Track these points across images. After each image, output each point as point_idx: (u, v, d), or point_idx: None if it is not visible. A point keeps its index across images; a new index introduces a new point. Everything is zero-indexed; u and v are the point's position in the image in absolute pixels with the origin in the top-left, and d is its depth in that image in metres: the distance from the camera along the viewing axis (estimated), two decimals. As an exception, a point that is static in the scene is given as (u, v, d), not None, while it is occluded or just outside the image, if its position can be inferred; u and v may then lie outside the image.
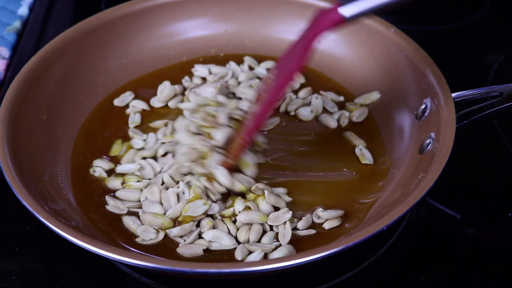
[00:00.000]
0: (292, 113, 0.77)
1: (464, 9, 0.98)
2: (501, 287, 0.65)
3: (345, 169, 0.71)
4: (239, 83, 0.81)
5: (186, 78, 0.82)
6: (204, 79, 0.82)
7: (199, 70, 0.83)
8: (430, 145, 0.67)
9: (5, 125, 0.66)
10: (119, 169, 0.71)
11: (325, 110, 0.78)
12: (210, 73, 0.82)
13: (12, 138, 0.66)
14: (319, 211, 0.66)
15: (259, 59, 0.84)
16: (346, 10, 0.58)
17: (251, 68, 0.83)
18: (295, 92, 0.80)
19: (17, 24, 0.91)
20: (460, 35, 0.95)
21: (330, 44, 0.82)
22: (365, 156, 0.72)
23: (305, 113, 0.77)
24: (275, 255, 0.63)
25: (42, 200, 0.62)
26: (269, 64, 0.83)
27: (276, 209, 0.67)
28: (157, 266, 0.56)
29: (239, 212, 0.66)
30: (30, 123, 0.70)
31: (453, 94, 0.69)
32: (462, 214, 0.71)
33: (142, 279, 0.64)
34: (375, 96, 0.78)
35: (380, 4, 0.58)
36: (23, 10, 0.93)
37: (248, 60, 0.83)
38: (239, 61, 0.84)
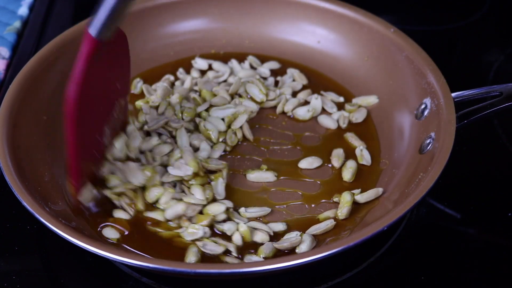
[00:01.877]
0: (290, 114, 0.77)
1: (464, 9, 0.98)
2: (501, 287, 0.65)
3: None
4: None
5: (181, 70, 0.82)
6: (203, 73, 0.82)
7: (199, 62, 0.83)
8: (430, 145, 0.67)
9: (5, 125, 0.66)
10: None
11: (324, 111, 0.78)
12: (211, 68, 0.83)
13: (12, 138, 0.66)
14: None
15: (259, 59, 0.84)
16: (92, 29, 0.58)
17: (253, 68, 0.83)
18: (295, 93, 0.80)
19: (17, 24, 0.91)
20: (460, 35, 0.95)
21: (330, 44, 0.82)
22: (364, 157, 0.72)
23: (302, 113, 0.77)
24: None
25: (42, 200, 0.62)
26: (272, 64, 0.83)
27: None
28: (157, 267, 0.56)
29: None
30: (30, 124, 0.70)
31: (453, 94, 0.69)
32: (462, 214, 0.71)
33: (142, 279, 0.64)
34: (372, 99, 0.77)
35: (115, 7, 0.57)
36: (23, 10, 0.93)
37: (251, 60, 0.83)
38: (240, 60, 0.84)
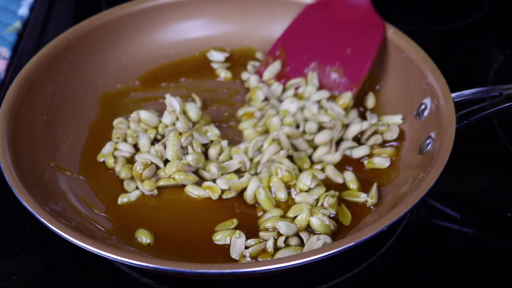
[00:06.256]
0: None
1: (464, 9, 0.98)
2: (501, 287, 0.65)
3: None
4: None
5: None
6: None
7: (214, 55, 0.83)
8: (430, 145, 0.67)
9: (5, 125, 0.66)
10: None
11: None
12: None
13: (12, 138, 0.66)
14: None
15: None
16: None
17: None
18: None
19: (17, 24, 0.91)
20: (460, 35, 0.95)
21: (330, 44, 0.82)
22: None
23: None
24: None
25: (42, 200, 0.62)
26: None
27: None
28: (157, 267, 0.56)
29: None
30: (30, 124, 0.70)
31: (453, 94, 0.69)
32: (462, 214, 0.71)
33: (142, 279, 0.64)
34: (397, 119, 0.74)
35: None
36: (24, 11, 0.94)
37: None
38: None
